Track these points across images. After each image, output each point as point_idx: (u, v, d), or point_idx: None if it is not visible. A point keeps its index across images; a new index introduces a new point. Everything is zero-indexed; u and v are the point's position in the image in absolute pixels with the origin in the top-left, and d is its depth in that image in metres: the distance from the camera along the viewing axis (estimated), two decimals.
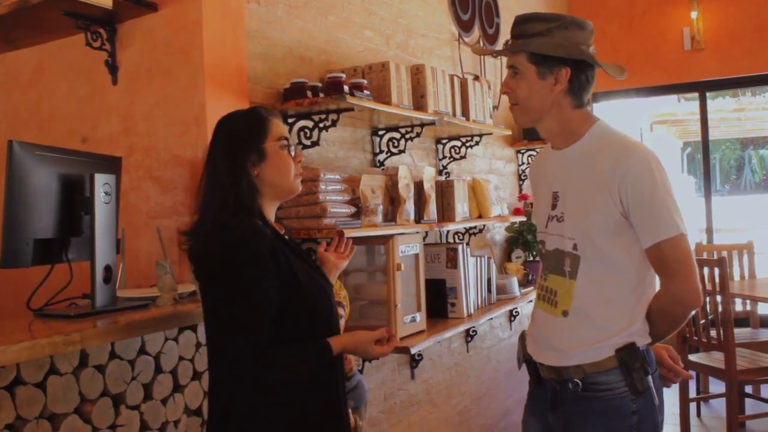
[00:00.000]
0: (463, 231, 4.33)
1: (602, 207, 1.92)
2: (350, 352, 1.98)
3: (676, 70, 6.49)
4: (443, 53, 4.56)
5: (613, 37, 6.45)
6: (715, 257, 4.63)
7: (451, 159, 4.38)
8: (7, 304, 2.67)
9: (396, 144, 3.72)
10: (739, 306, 5.38)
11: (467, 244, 4.11)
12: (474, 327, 4.39)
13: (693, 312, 1.96)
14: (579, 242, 1.97)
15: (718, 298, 4.21)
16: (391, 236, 3.08)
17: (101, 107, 2.98)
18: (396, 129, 3.69)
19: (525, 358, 2.18)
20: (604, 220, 1.92)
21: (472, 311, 3.79)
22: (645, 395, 1.92)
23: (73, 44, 2.93)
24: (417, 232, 3.37)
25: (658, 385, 2.00)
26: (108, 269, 2.18)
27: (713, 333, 4.23)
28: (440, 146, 4.37)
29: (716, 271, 4.17)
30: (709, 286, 4.26)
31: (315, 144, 3.05)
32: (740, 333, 4.90)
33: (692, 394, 4.84)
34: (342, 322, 2.41)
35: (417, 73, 3.49)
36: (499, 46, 5.30)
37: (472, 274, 3.83)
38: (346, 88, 2.91)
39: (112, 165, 2.38)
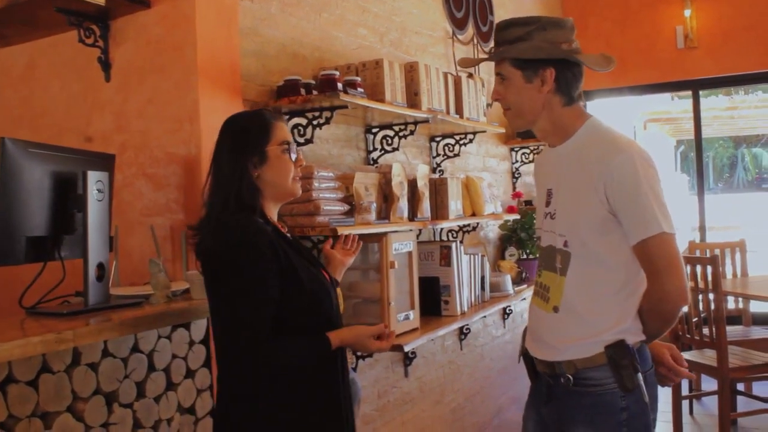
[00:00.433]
0: (457, 229, 4.33)
1: (590, 204, 1.94)
2: (349, 346, 2.03)
3: (670, 68, 6.50)
4: (437, 51, 4.55)
5: (607, 35, 6.45)
6: (708, 255, 4.65)
7: (445, 157, 4.38)
8: (0, 301, 2.66)
9: (390, 142, 3.71)
10: (731, 304, 5.39)
11: (461, 241, 4.10)
12: (467, 325, 4.39)
13: (683, 310, 1.97)
14: (569, 239, 1.99)
15: (711, 295, 4.22)
16: (384, 234, 3.08)
17: (94, 104, 2.97)
18: (390, 126, 3.69)
19: (522, 353, 2.20)
20: (592, 218, 1.94)
21: (466, 309, 3.80)
22: (635, 392, 1.93)
23: (66, 41, 2.92)
24: (410, 230, 3.37)
25: (653, 383, 2.01)
26: (101, 267, 2.17)
27: (706, 331, 4.24)
28: (434, 144, 4.37)
29: (709, 268, 4.18)
30: (701, 284, 4.27)
31: (308, 141, 3.05)
32: (732, 331, 4.91)
33: (685, 391, 4.85)
34: None
35: (411, 71, 3.49)
36: (492, 43, 5.30)
37: (465, 271, 3.83)
38: (339, 85, 2.90)
39: (105, 162, 2.37)
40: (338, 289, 2.93)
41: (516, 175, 5.64)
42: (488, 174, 5.03)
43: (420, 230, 3.75)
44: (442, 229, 4.20)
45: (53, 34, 3.02)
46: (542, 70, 1.99)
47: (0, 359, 1.72)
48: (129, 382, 2.15)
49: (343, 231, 2.79)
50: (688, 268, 4.23)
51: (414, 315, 3.29)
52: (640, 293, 1.98)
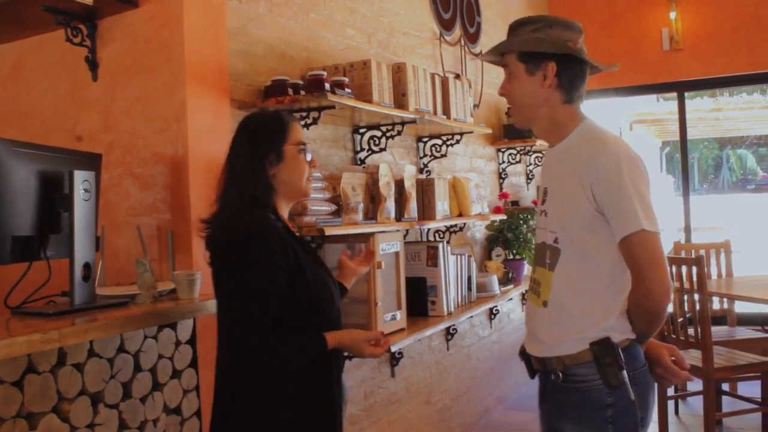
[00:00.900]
0: (444, 229, 4.34)
1: (579, 202, 1.96)
2: (345, 348, 2.06)
3: (655, 70, 6.54)
4: (424, 52, 4.56)
5: (593, 37, 6.44)
6: (693, 256, 4.67)
7: (432, 157, 4.39)
8: None
9: (377, 142, 3.72)
10: (716, 304, 5.41)
11: (448, 242, 4.12)
12: (454, 325, 4.40)
13: (666, 307, 1.98)
14: (560, 236, 2.03)
15: (696, 296, 4.24)
16: (371, 234, 3.09)
17: (81, 104, 2.96)
18: (377, 127, 3.69)
19: (521, 351, 2.22)
20: (580, 215, 1.97)
21: (453, 309, 3.81)
22: (620, 390, 1.94)
23: (54, 40, 2.91)
24: (397, 230, 3.38)
25: (644, 383, 2.02)
26: (87, 267, 2.16)
27: (691, 331, 4.26)
28: (421, 144, 4.38)
29: (694, 269, 4.20)
30: (686, 285, 4.29)
31: None
32: (717, 331, 4.93)
33: (670, 392, 4.88)
34: None
35: (398, 72, 3.50)
36: (480, 45, 5.33)
37: (452, 272, 3.84)
38: (327, 85, 2.91)
39: (91, 162, 2.36)
40: None
41: (503, 176, 5.66)
42: (475, 175, 5.04)
43: (407, 230, 3.75)
44: (429, 229, 4.21)
45: (40, 33, 3.01)
46: (544, 64, 2.03)
47: None
48: (115, 382, 2.15)
49: (330, 231, 2.79)
50: (674, 268, 4.26)
51: (401, 315, 3.30)
52: (628, 292, 2.00)
